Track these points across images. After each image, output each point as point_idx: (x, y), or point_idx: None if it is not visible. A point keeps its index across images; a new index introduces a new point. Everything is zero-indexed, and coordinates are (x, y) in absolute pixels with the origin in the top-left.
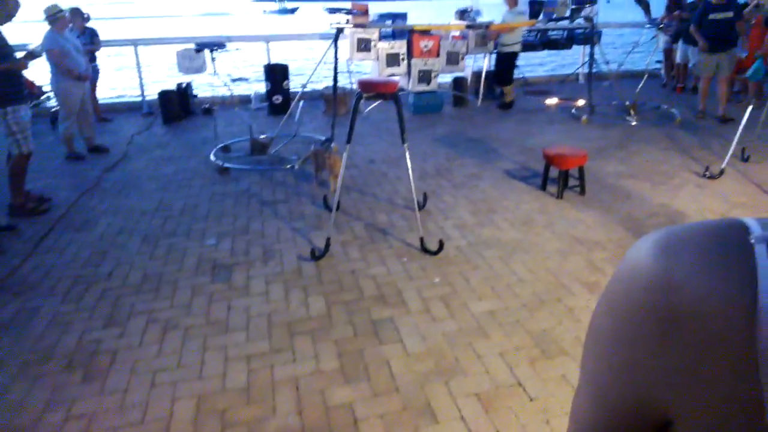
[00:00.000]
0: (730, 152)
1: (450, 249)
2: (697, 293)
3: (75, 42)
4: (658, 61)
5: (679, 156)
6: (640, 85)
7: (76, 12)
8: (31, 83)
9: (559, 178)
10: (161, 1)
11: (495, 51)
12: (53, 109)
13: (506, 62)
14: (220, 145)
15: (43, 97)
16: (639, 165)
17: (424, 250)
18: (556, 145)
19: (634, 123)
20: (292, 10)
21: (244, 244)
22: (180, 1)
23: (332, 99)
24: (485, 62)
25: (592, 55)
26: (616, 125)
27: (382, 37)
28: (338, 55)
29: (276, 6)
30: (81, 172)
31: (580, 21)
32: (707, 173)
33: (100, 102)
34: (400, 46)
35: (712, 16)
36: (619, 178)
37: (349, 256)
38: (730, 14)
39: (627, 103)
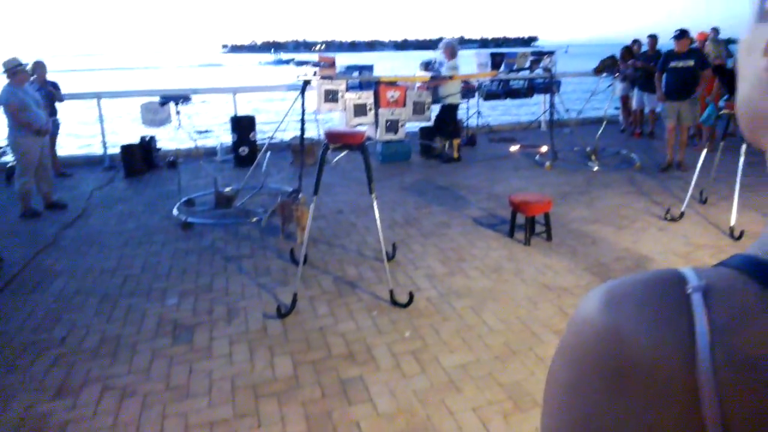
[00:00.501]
0: (689, 195)
1: (420, 300)
2: (641, 345)
3: (35, 95)
4: (616, 108)
5: (641, 200)
6: (600, 132)
7: (39, 65)
8: None
9: (526, 225)
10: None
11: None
12: (8, 165)
13: (447, 115)
14: (184, 199)
15: None
16: (603, 210)
17: (394, 302)
18: (522, 191)
19: (596, 168)
20: (287, 62)
21: (207, 303)
22: (171, 53)
23: (299, 150)
24: None
25: (552, 103)
26: (578, 171)
27: (350, 88)
28: (305, 107)
29: (271, 57)
30: (37, 229)
31: (539, 71)
32: (668, 216)
33: (61, 156)
34: (367, 97)
35: (673, 64)
36: (584, 223)
37: (317, 312)
38: (691, 63)
39: (588, 149)
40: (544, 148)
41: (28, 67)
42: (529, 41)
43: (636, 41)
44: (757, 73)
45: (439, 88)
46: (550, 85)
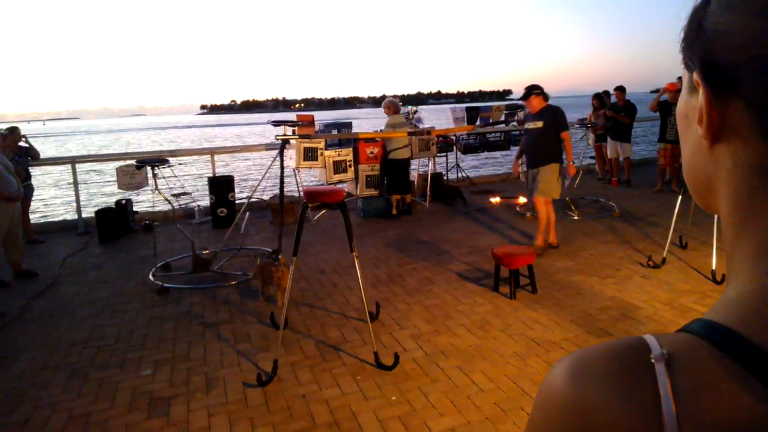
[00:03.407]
0: (669, 241)
1: (406, 362)
2: (607, 416)
3: (5, 161)
4: (591, 157)
5: (623, 248)
6: (577, 181)
7: (13, 131)
8: None
9: (510, 278)
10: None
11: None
12: None
13: (395, 170)
14: (160, 264)
15: None
16: (585, 259)
17: (379, 365)
18: (504, 244)
19: (576, 218)
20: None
21: (184, 373)
22: (149, 114)
23: (279, 209)
24: (430, 165)
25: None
26: (559, 221)
27: (329, 145)
28: (284, 165)
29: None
30: (4, 301)
31: (514, 124)
32: (651, 263)
33: (33, 222)
34: (346, 154)
35: (527, 125)
36: (569, 273)
37: (299, 379)
38: (540, 124)
39: (567, 198)
40: (522, 200)
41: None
42: (504, 94)
43: (606, 92)
44: (697, 140)
45: (386, 144)
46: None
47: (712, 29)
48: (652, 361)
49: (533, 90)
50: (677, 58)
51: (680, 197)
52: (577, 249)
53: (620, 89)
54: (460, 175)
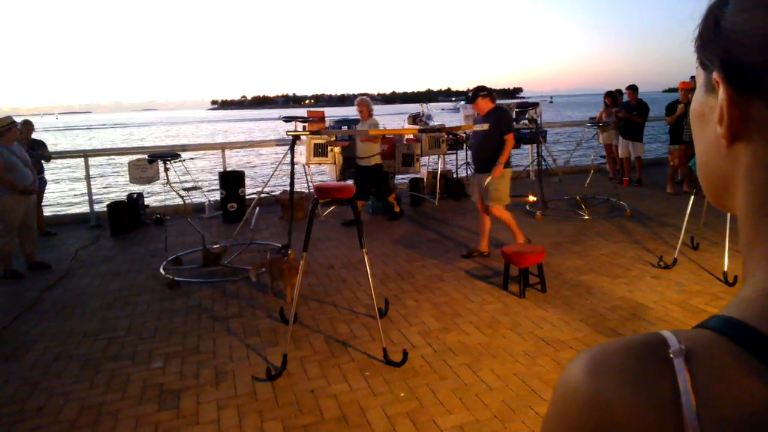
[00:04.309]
0: (680, 241)
1: (415, 359)
2: (625, 411)
3: (23, 155)
4: (602, 156)
5: (633, 248)
6: (588, 180)
7: (27, 124)
8: None
9: (519, 277)
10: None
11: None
12: None
13: (375, 175)
14: (171, 258)
15: None
16: (596, 259)
17: (388, 361)
18: (514, 242)
19: (586, 217)
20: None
21: (194, 366)
22: (160, 110)
23: (289, 204)
24: (440, 163)
25: (539, 153)
26: (569, 220)
27: (339, 141)
28: (295, 161)
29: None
30: (18, 292)
31: (525, 122)
32: (662, 263)
33: (46, 215)
34: None
35: (475, 128)
36: (578, 273)
37: (308, 374)
38: (486, 126)
39: (577, 197)
40: (531, 198)
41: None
42: (514, 92)
43: (618, 91)
44: (714, 139)
45: (359, 148)
46: (536, 136)
47: (730, 29)
48: (671, 355)
49: (479, 92)
50: (690, 57)
51: (692, 197)
52: (588, 248)
53: (632, 88)
54: (469, 172)
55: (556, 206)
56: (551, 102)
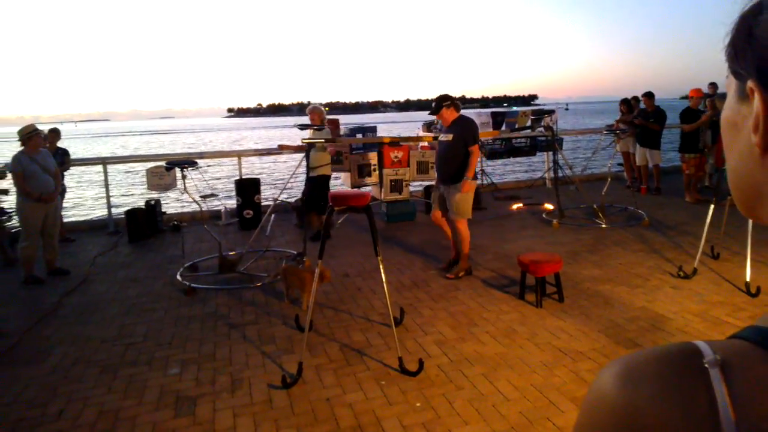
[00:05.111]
0: (700, 251)
1: (431, 368)
2: (659, 422)
3: (45, 162)
4: (619, 164)
5: (652, 257)
6: (605, 188)
7: (53, 132)
8: None
9: (536, 286)
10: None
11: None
12: (14, 230)
13: (320, 188)
14: (188, 264)
15: (4, 217)
16: (614, 268)
17: (404, 371)
18: (531, 251)
19: (603, 226)
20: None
21: (210, 373)
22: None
23: (304, 212)
24: None
25: (555, 161)
26: (586, 228)
27: (354, 149)
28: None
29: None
30: (38, 297)
31: (540, 129)
32: (681, 273)
33: (65, 222)
34: (371, 158)
35: (440, 138)
36: (596, 282)
37: (324, 382)
38: (450, 137)
39: (594, 206)
40: (548, 206)
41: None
42: (529, 99)
43: (634, 98)
44: (748, 148)
45: (310, 157)
46: (552, 143)
47: (766, 37)
48: (706, 366)
49: (443, 102)
50: (706, 64)
51: (712, 206)
52: (605, 258)
53: (648, 95)
54: (484, 181)
55: (573, 215)
56: (567, 109)
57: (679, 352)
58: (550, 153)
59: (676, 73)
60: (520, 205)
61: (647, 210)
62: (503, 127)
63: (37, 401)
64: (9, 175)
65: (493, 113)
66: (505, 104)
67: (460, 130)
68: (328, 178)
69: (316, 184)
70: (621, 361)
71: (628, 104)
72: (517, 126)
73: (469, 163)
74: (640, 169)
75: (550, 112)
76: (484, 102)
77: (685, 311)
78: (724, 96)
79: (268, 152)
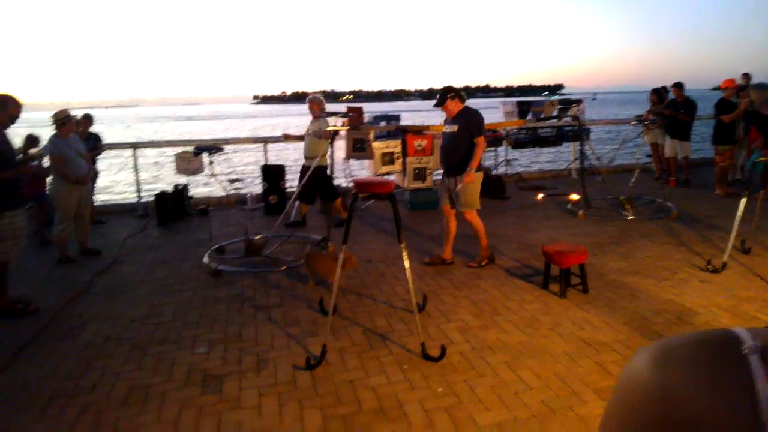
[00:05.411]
0: (730, 245)
1: (453, 354)
2: (697, 406)
3: (78, 146)
4: (648, 155)
5: (680, 250)
6: (633, 179)
7: (87, 117)
8: (39, 183)
9: (561, 276)
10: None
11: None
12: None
13: (320, 177)
14: (215, 247)
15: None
16: (640, 261)
17: (426, 356)
18: (555, 241)
19: (630, 217)
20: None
21: (236, 352)
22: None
23: (328, 198)
24: None
25: (582, 151)
26: (613, 220)
27: (377, 137)
28: (334, 156)
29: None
30: (71, 276)
31: (567, 119)
32: (710, 267)
33: (96, 204)
34: (395, 146)
35: (445, 129)
36: (622, 274)
37: (347, 365)
38: (455, 128)
39: (621, 197)
40: (573, 196)
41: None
42: (555, 89)
43: (664, 88)
44: None
45: (304, 146)
46: (579, 133)
47: None
48: (745, 352)
49: (447, 93)
50: (740, 53)
51: (744, 199)
52: (632, 250)
53: (678, 85)
54: (508, 170)
55: (599, 206)
56: (594, 99)
57: (717, 338)
58: (577, 143)
59: (708, 62)
60: (543, 195)
61: (676, 202)
62: (529, 117)
63: (73, 374)
64: (46, 159)
65: (519, 102)
66: (545, 92)
67: (466, 122)
68: (324, 169)
69: (314, 175)
70: (657, 344)
71: (659, 94)
72: (543, 115)
73: (473, 154)
74: (668, 160)
75: (578, 102)
76: (508, 91)
77: (714, 305)
78: (757, 86)
79: (295, 138)
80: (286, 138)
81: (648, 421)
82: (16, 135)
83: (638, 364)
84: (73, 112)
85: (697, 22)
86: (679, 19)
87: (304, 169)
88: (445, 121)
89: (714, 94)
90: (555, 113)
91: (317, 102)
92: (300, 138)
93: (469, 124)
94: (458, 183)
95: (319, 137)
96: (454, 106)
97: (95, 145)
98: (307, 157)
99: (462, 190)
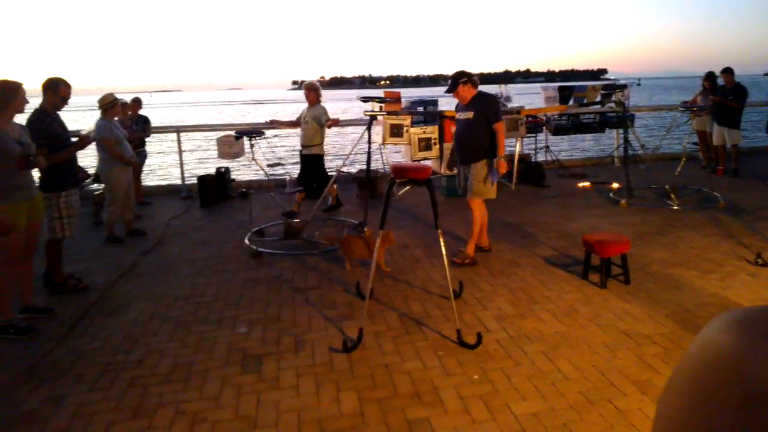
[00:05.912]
0: None
1: (489, 342)
2: None
3: (121, 130)
4: (694, 143)
5: (727, 242)
6: (679, 168)
7: (136, 101)
8: (81, 168)
9: (601, 266)
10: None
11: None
12: (96, 192)
13: (317, 166)
14: (255, 229)
15: (87, 181)
16: (685, 252)
17: (462, 343)
18: (596, 230)
19: (675, 207)
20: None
21: (275, 333)
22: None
23: (365, 183)
24: (517, 146)
25: (626, 138)
26: (657, 209)
27: (414, 122)
28: (372, 141)
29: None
30: (118, 255)
31: (611, 105)
32: (759, 260)
33: (143, 184)
34: (431, 131)
35: (458, 116)
36: (665, 266)
37: (383, 349)
38: (470, 115)
39: (666, 186)
40: (615, 185)
41: (128, 102)
42: (598, 74)
43: (712, 73)
44: None
45: (301, 134)
46: (623, 120)
47: None
48: None
49: (459, 79)
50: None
51: None
52: (676, 240)
53: (728, 71)
54: (548, 157)
55: (643, 195)
56: (639, 84)
57: None
58: (621, 130)
59: (760, 47)
60: (587, 183)
61: (723, 192)
62: (571, 102)
63: (121, 348)
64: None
65: (560, 87)
66: (612, 78)
67: (481, 108)
68: (320, 157)
69: (310, 163)
70: (737, 310)
71: (712, 80)
72: (585, 101)
73: (497, 142)
74: (716, 149)
75: (622, 87)
76: (549, 76)
77: (762, 301)
78: None
79: (283, 124)
80: (273, 123)
81: (719, 390)
82: (67, 119)
83: (714, 329)
84: (119, 97)
85: (749, 3)
86: (728, 0)
87: (304, 158)
88: (457, 107)
89: (767, 80)
90: (598, 99)
91: (313, 90)
92: (289, 124)
93: (485, 110)
94: (473, 171)
95: (321, 125)
96: (467, 91)
97: (144, 128)
98: (304, 146)
99: (475, 178)
